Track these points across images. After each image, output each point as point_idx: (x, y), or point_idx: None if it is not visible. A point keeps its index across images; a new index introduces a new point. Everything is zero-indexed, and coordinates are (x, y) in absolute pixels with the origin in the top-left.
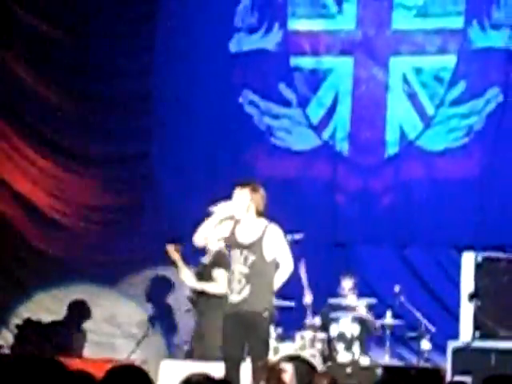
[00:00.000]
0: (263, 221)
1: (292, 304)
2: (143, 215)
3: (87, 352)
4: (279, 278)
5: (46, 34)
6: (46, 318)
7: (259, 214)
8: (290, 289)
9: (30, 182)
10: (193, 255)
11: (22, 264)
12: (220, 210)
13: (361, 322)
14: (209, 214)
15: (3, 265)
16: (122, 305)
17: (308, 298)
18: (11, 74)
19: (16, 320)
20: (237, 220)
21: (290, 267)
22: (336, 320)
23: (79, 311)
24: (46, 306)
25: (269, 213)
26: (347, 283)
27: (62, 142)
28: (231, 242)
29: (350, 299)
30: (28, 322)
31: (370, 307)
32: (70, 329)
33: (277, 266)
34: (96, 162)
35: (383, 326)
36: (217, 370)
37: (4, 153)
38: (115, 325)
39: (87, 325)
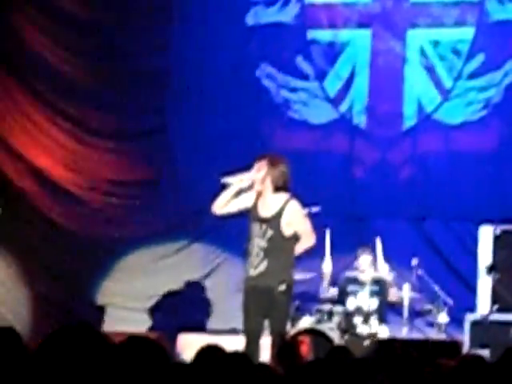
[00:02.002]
0: (283, 195)
1: (310, 276)
2: (160, 189)
3: (105, 327)
4: (298, 251)
5: (62, 8)
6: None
7: (277, 188)
8: (309, 262)
9: (47, 156)
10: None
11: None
12: (237, 180)
13: (380, 286)
14: (225, 185)
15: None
16: (139, 279)
17: (327, 267)
18: (29, 47)
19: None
20: (259, 192)
21: (310, 242)
22: (353, 293)
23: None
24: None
25: None
26: (366, 258)
27: (80, 117)
28: (253, 215)
29: (368, 274)
30: (45, 297)
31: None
32: (86, 304)
33: (297, 239)
34: (113, 136)
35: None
36: (233, 343)
37: (21, 127)
38: (132, 299)
39: (104, 299)
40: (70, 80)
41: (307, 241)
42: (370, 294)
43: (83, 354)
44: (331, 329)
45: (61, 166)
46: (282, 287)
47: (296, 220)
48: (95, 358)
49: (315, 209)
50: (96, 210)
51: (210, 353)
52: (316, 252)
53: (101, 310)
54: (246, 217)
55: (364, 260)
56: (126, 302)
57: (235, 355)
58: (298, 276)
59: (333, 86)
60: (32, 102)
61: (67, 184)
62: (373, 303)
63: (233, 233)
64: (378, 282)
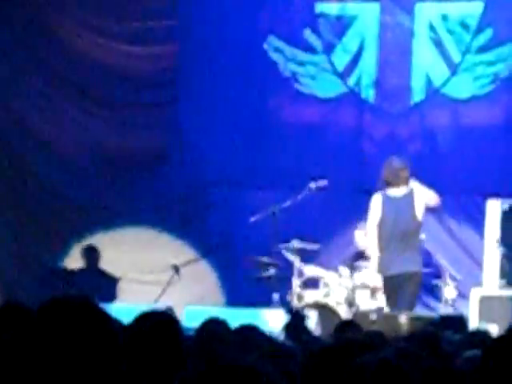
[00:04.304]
0: None
1: (317, 247)
2: (168, 161)
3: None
4: None
5: None
6: (73, 265)
7: None
8: (316, 232)
9: (55, 128)
10: None
11: (49, 211)
12: None
13: None
14: None
15: (37, 215)
16: (148, 251)
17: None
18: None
19: (39, 268)
20: None
21: None
22: (360, 269)
23: (93, 256)
24: (74, 255)
25: (294, 159)
26: (359, 233)
27: (88, 88)
28: None
29: None
30: (52, 270)
31: None
32: (96, 275)
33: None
34: (122, 108)
35: None
36: (242, 316)
37: (30, 100)
38: (140, 271)
39: (114, 271)
40: (78, 52)
41: None
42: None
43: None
44: (338, 303)
45: (68, 139)
46: None
47: None
48: (95, 333)
49: (323, 182)
50: (102, 183)
51: (212, 326)
52: (325, 224)
53: (113, 282)
54: (252, 189)
55: (358, 234)
56: (135, 274)
57: (241, 328)
58: (305, 245)
59: (341, 59)
60: (41, 76)
61: (73, 156)
62: (378, 279)
63: (239, 205)
64: None
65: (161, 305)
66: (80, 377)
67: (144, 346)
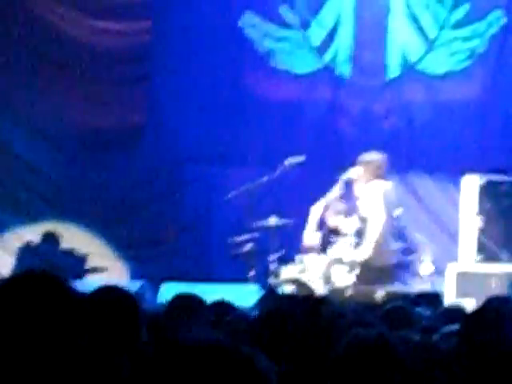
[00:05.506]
0: None
1: (287, 221)
2: (145, 137)
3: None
4: None
5: None
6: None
7: None
8: (288, 207)
9: (28, 104)
10: None
11: (25, 187)
12: None
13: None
14: None
15: (6, 187)
16: (123, 226)
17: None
18: None
19: (17, 243)
20: None
21: None
22: (334, 244)
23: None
24: (47, 231)
25: (270, 135)
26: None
27: (61, 64)
28: None
29: (351, 225)
30: (29, 245)
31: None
32: (69, 252)
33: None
34: (94, 84)
35: None
36: (216, 291)
37: (3, 76)
38: (116, 247)
39: (88, 249)
40: (57, 28)
41: None
42: (351, 245)
43: (43, 303)
44: (314, 279)
45: (42, 113)
46: None
47: None
48: (57, 308)
49: (300, 158)
50: (77, 159)
51: (182, 301)
52: (301, 200)
53: (83, 258)
54: (228, 166)
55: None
56: (108, 250)
57: (214, 304)
58: (280, 222)
59: (317, 35)
60: (19, 52)
61: (46, 131)
62: (354, 254)
63: (215, 182)
64: (360, 233)
65: (135, 281)
66: (40, 352)
67: (97, 321)
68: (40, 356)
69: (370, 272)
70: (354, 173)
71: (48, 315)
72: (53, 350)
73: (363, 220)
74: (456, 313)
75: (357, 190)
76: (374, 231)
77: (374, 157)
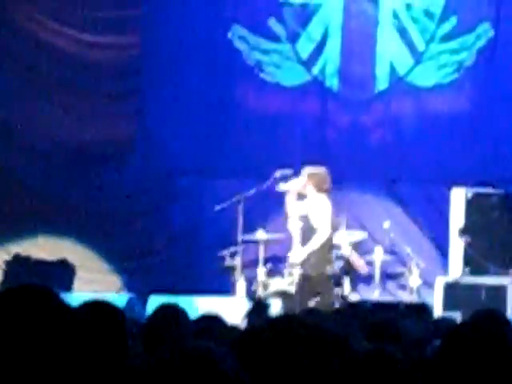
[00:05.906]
0: None
1: (280, 236)
2: (134, 150)
3: (77, 287)
4: None
5: None
6: (37, 255)
7: None
8: (277, 220)
9: (18, 117)
10: None
11: (14, 201)
12: None
13: (345, 260)
14: None
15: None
16: (112, 239)
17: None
18: None
19: (5, 256)
20: None
21: None
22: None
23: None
24: (38, 244)
25: (259, 148)
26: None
27: (51, 77)
28: None
29: (337, 236)
30: (17, 258)
31: (357, 244)
32: (58, 265)
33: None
34: (84, 97)
35: (371, 263)
36: (205, 303)
37: None
38: (105, 260)
39: (76, 261)
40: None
41: None
42: (338, 257)
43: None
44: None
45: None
46: None
47: None
48: (47, 321)
49: (287, 171)
50: (69, 171)
51: (165, 312)
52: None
53: (72, 271)
54: (217, 178)
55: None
56: (97, 263)
57: (202, 317)
58: (268, 236)
59: (305, 48)
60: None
61: (36, 145)
62: (342, 266)
63: (204, 195)
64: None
65: (124, 294)
66: (34, 364)
67: (84, 335)
68: (30, 368)
69: (306, 281)
70: (294, 184)
71: (42, 328)
72: (43, 363)
73: (311, 229)
74: (445, 325)
75: (288, 201)
76: (317, 242)
77: (319, 170)
